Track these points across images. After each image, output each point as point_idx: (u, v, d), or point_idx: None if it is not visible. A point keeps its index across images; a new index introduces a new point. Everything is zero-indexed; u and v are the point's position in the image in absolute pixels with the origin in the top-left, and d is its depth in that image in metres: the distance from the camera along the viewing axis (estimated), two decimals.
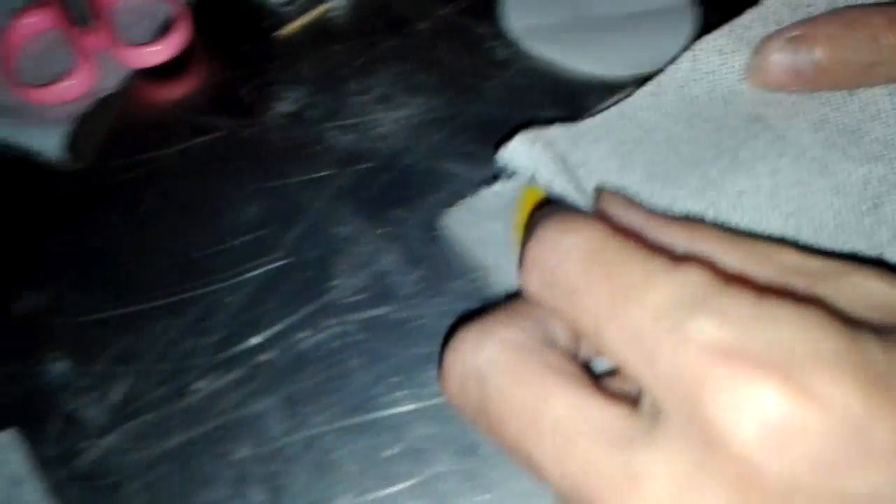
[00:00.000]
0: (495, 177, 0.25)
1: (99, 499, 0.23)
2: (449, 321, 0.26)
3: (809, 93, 0.24)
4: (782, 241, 0.19)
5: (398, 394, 0.25)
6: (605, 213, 0.21)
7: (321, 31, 0.34)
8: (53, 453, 0.24)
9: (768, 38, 0.24)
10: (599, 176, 0.23)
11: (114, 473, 0.24)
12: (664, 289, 0.15)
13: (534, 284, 0.18)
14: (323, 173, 0.30)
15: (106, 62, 0.33)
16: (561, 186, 0.23)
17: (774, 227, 0.22)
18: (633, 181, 0.23)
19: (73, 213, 0.29)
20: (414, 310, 0.26)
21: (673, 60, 0.26)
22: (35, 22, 0.34)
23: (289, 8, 0.35)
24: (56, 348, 0.26)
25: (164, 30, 0.34)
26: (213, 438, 0.24)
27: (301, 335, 0.26)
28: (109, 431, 0.24)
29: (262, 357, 0.25)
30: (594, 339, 0.16)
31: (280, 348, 0.26)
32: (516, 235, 0.25)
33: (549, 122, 0.28)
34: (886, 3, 0.24)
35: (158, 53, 0.33)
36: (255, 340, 0.26)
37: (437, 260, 0.27)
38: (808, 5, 0.25)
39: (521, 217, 0.25)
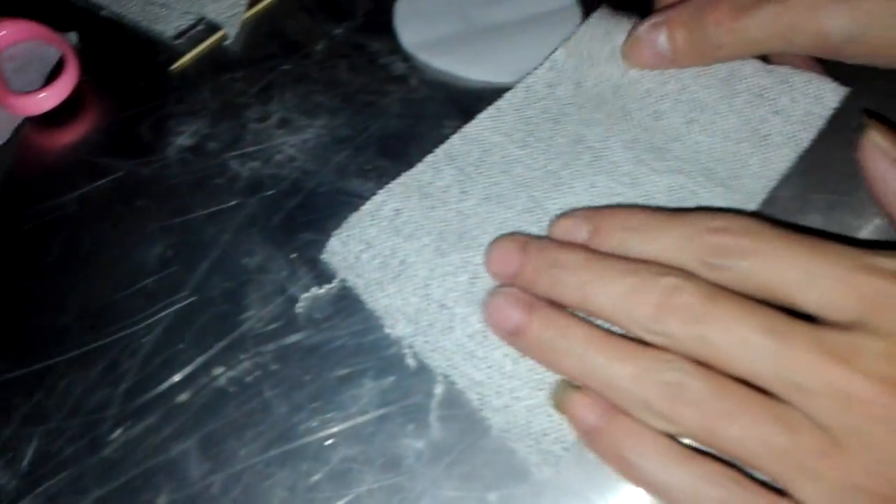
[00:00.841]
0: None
1: None
2: (363, 340, 0.26)
3: (676, 69, 0.29)
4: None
5: (318, 419, 0.25)
6: None
7: (216, 61, 0.34)
8: None
9: (638, 24, 0.29)
10: (437, 212, 0.27)
11: None
12: None
13: None
14: (228, 204, 0.30)
15: None
16: (362, 288, 0.26)
17: None
18: (471, 205, 0.27)
19: None
20: (326, 333, 0.26)
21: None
22: None
23: (180, 41, 0.34)
24: None
25: (52, 74, 0.33)
26: (133, 488, 0.24)
27: (216, 372, 0.26)
28: (22, 497, 0.23)
29: (178, 399, 0.25)
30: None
31: (195, 387, 0.25)
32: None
33: (448, 133, 0.29)
34: None
35: (48, 99, 0.32)
36: (169, 383, 0.25)
37: (344, 282, 0.27)
38: (612, 41, 0.30)
39: None
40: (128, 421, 0.25)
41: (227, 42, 0.34)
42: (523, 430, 0.23)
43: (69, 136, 0.32)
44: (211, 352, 0.26)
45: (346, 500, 0.23)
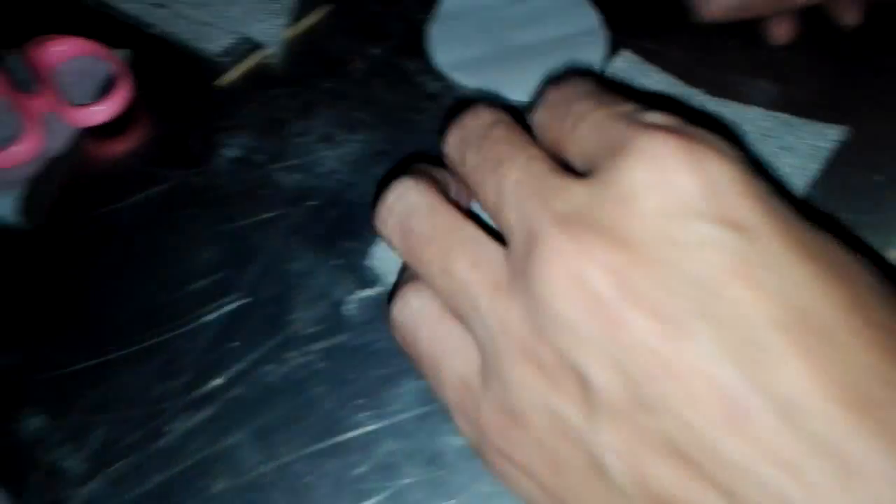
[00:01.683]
0: None
1: None
2: None
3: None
4: None
5: (363, 415, 0.26)
6: None
7: (259, 78, 0.36)
8: None
9: None
10: None
11: None
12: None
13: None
14: (273, 213, 0.32)
15: (52, 124, 0.34)
16: None
17: None
18: None
19: (34, 272, 0.30)
20: (370, 335, 0.28)
21: None
22: None
23: (226, 58, 0.36)
24: (32, 404, 0.27)
25: (106, 88, 0.35)
26: (191, 475, 0.25)
27: (266, 369, 0.27)
28: (90, 479, 0.25)
29: (231, 393, 0.27)
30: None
31: (247, 383, 0.27)
32: None
33: None
34: None
35: (103, 112, 0.34)
36: (222, 378, 0.27)
37: (387, 286, 0.29)
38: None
39: None
40: (185, 413, 0.27)
41: (270, 60, 0.36)
42: None
43: (124, 146, 0.34)
44: (261, 351, 0.28)
45: (390, 491, 0.25)
